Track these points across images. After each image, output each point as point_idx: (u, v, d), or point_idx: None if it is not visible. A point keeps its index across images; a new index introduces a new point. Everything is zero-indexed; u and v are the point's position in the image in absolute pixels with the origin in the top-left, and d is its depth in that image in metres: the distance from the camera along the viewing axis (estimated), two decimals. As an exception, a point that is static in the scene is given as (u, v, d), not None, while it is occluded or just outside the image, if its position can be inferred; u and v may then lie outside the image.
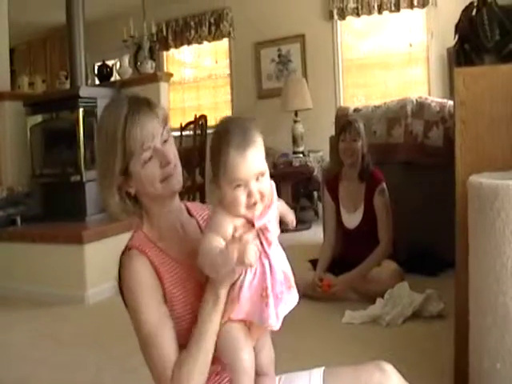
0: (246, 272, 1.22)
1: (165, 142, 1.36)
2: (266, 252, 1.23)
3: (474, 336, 1.88)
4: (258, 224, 1.21)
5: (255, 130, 1.22)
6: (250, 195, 1.19)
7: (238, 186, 1.19)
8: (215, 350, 1.26)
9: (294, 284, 1.29)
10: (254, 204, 1.20)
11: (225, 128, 1.22)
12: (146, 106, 1.35)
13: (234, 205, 1.20)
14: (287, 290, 1.25)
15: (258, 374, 1.34)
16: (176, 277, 1.35)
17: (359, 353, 2.58)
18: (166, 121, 1.38)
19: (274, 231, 1.25)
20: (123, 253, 1.37)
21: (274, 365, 1.39)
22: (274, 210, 1.25)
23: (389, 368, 1.38)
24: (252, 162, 1.18)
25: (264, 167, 1.22)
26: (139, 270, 1.31)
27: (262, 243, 1.22)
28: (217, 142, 1.22)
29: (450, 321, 2.35)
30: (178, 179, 1.38)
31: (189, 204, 1.56)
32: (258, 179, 1.20)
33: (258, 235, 1.22)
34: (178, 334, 1.30)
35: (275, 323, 1.21)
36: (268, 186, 1.23)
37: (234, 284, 1.24)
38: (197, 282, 1.33)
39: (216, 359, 1.28)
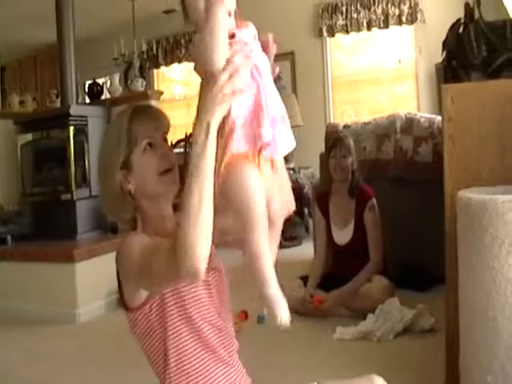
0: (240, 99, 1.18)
1: (165, 140, 1.46)
2: (258, 70, 1.27)
3: (464, 350, 1.89)
4: (238, 35, 1.23)
5: None
6: None
7: None
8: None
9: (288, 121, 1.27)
10: None
11: None
12: (151, 108, 1.53)
13: None
14: (282, 123, 1.23)
15: None
16: None
17: (351, 368, 2.57)
18: (168, 127, 1.46)
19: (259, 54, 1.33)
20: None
21: (283, 215, 1.31)
22: (250, 29, 1.32)
23: (380, 382, 1.39)
24: None
25: None
26: (141, 236, 1.35)
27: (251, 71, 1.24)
28: None
29: (441, 335, 2.36)
30: (175, 178, 1.42)
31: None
32: None
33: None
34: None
35: (269, 137, 1.19)
36: None
37: (227, 117, 1.18)
38: None
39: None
